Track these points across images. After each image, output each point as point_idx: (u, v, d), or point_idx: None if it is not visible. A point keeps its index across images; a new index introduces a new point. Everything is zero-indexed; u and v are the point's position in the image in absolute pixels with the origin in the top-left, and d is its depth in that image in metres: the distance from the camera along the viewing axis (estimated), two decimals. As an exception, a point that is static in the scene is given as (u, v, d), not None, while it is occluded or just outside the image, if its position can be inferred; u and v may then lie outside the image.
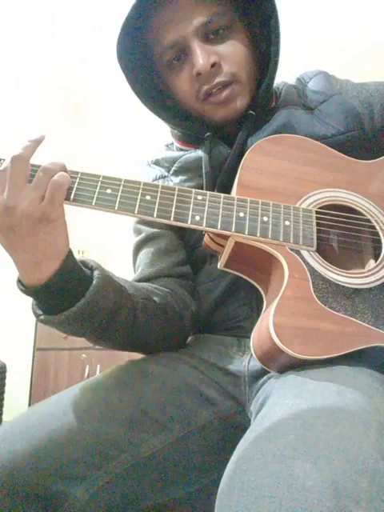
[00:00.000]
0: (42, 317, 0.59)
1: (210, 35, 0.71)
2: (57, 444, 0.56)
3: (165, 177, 0.83)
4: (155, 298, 0.71)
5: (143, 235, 0.83)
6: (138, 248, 0.83)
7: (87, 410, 0.60)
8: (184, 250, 0.82)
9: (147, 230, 0.83)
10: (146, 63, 0.78)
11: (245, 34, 0.74)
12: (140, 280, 0.78)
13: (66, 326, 0.59)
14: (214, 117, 0.75)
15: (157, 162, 0.86)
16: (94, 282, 0.59)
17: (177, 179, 0.80)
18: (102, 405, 0.61)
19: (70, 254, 0.59)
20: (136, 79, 0.78)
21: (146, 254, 0.82)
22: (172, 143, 0.88)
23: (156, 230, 0.82)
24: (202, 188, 0.74)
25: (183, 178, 0.79)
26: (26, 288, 0.58)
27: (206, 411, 0.65)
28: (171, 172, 0.82)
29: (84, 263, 0.63)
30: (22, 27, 2.88)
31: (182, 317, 0.75)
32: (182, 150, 0.83)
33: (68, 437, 0.57)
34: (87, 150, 3.40)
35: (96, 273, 0.61)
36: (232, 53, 0.71)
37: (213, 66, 0.70)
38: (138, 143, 3.03)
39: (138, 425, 0.61)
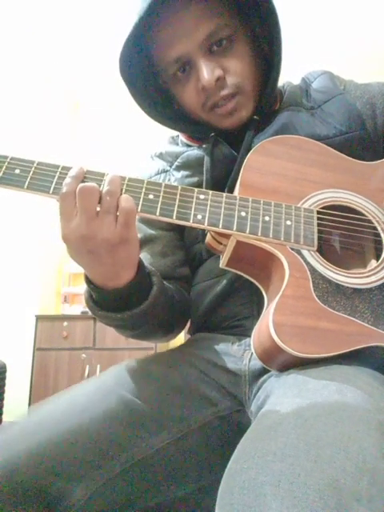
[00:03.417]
0: (100, 312, 0.65)
1: (214, 47, 0.71)
2: (56, 445, 0.56)
3: (167, 171, 0.84)
4: (175, 295, 0.77)
5: (142, 236, 0.84)
6: None
7: (87, 411, 0.60)
8: (182, 251, 0.83)
9: (145, 231, 0.84)
10: (150, 72, 0.79)
11: (248, 40, 0.75)
12: None
13: (121, 322, 0.66)
14: (219, 125, 0.76)
15: (160, 156, 0.87)
16: (155, 288, 0.67)
17: (178, 174, 0.81)
18: (101, 405, 0.61)
19: (140, 261, 0.65)
20: (139, 90, 0.78)
21: (144, 255, 0.83)
22: (177, 136, 0.89)
23: (153, 232, 0.83)
24: (202, 184, 0.75)
25: (185, 173, 0.80)
26: (97, 288, 0.63)
27: (206, 411, 0.65)
28: (173, 167, 0.83)
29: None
30: (22, 27, 2.88)
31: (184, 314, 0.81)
32: (187, 144, 0.84)
33: (67, 438, 0.57)
34: (86, 149, 3.41)
35: (154, 279, 0.68)
36: (236, 64, 0.72)
37: (217, 80, 0.70)
38: (137, 142, 3.04)
39: (138, 424, 0.61)
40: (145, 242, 0.84)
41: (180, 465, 0.62)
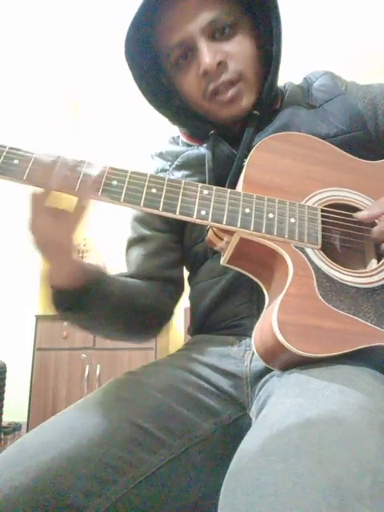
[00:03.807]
0: (53, 306, 0.68)
1: (216, 33, 0.71)
2: (55, 474, 0.53)
3: (166, 170, 0.84)
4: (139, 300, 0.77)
5: (135, 235, 0.85)
6: (129, 247, 0.86)
7: (85, 435, 0.57)
8: (176, 253, 0.83)
9: (139, 231, 0.85)
10: (153, 62, 0.79)
11: (250, 33, 0.75)
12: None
13: (68, 321, 0.71)
14: (219, 115, 0.76)
15: (160, 155, 0.87)
16: (108, 299, 0.70)
17: (179, 174, 0.81)
18: (100, 427, 0.59)
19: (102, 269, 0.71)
20: (142, 77, 0.78)
21: (135, 255, 0.83)
22: (178, 136, 0.89)
23: (147, 232, 0.83)
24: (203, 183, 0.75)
25: (185, 173, 0.80)
26: (58, 290, 0.67)
27: (207, 423, 0.64)
28: (173, 166, 0.83)
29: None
30: (22, 27, 2.88)
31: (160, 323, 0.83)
32: (187, 144, 0.84)
33: (66, 466, 0.54)
34: (86, 149, 3.40)
35: (113, 289, 0.71)
36: (238, 51, 0.72)
37: (219, 64, 0.70)
38: (137, 142, 3.04)
39: (138, 444, 0.58)
40: (137, 241, 0.84)
41: (183, 480, 0.60)
